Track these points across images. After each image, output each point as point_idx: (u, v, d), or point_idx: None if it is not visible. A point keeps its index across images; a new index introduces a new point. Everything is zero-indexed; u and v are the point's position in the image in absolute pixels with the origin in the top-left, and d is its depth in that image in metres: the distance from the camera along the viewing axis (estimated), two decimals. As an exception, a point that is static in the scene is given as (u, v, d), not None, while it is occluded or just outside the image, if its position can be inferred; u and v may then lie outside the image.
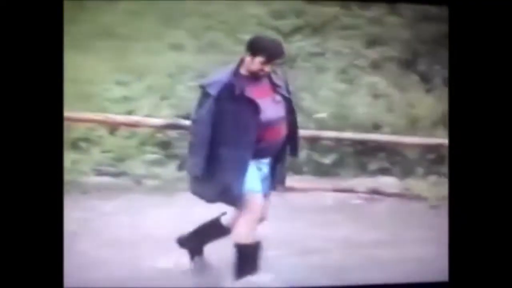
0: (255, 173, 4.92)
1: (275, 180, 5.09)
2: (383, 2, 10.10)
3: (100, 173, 7.32)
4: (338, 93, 8.73)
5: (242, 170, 4.83)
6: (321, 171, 7.91)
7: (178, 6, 9.95)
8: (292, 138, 5.07)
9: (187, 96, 7.79)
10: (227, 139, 4.80)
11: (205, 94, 4.86)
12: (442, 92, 9.39)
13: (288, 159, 5.16)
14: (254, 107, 4.82)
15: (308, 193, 7.29)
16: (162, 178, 7.27)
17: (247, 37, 5.02)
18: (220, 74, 4.96)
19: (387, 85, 9.01)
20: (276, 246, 5.51)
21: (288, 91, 5.04)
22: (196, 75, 8.20)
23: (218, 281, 5.16)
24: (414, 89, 9.13)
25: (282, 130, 4.97)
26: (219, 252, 5.24)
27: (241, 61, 4.90)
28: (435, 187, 7.45)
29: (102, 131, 7.64)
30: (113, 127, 7.69)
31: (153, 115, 7.78)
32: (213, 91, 4.81)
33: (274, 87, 4.96)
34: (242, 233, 4.92)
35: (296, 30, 9.97)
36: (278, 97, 4.95)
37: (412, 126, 8.37)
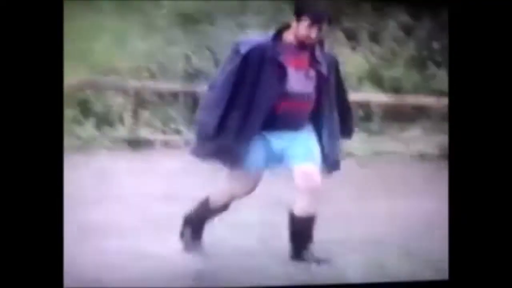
0: (261, 145, 4.89)
1: (329, 162, 5.02)
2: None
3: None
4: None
5: (246, 136, 4.79)
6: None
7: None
8: (344, 118, 5.02)
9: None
10: (243, 101, 4.75)
11: (235, 52, 4.79)
12: (367, 48, 9.51)
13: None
14: (281, 74, 4.74)
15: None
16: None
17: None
18: (260, 37, 4.94)
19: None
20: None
21: (329, 70, 4.92)
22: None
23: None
24: (339, 46, 9.30)
25: (304, 106, 4.89)
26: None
27: (286, 26, 4.81)
28: (363, 145, 7.47)
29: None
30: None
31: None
32: (243, 49, 4.75)
33: (314, 62, 4.86)
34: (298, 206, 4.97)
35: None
36: (312, 73, 4.85)
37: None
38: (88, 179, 7.25)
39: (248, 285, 4.90)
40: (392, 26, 10.06)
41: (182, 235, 5.34)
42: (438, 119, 9.00)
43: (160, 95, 9.44)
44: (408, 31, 10.22)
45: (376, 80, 9.79)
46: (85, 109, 9.24)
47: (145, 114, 9.37)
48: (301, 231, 5.09)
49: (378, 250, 5.49)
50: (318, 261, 5.11)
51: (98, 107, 9.30)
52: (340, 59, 5.23)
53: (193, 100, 8.74)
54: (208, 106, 4.87)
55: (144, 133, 9.23)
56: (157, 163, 8.28)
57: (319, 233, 5.25)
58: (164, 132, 9.35)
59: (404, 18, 10.21)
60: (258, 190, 5.23)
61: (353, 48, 9.69)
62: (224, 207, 5.22)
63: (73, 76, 7.77)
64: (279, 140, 4.95)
